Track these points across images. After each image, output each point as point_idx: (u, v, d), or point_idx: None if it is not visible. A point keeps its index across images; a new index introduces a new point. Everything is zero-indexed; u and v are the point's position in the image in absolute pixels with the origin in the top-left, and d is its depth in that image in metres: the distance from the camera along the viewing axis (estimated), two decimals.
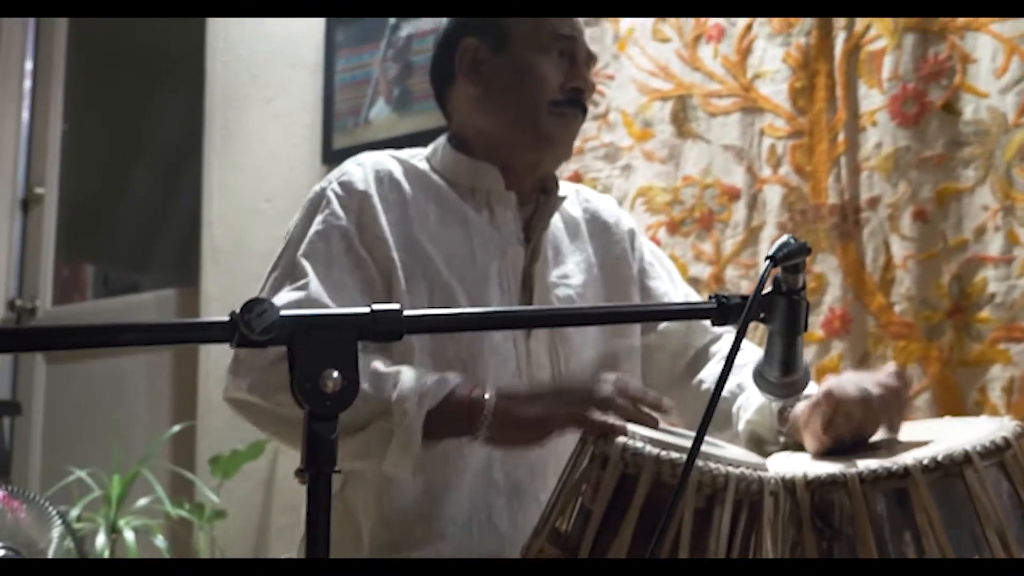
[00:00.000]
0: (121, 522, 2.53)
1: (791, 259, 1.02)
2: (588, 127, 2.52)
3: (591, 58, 1.54)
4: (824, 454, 1.28)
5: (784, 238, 1.00)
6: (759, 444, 1.43)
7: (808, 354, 2.19)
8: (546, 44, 1.49)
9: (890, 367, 1.32)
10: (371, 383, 1.30)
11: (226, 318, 0.79)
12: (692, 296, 1.67)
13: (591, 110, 2.54)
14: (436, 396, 1.29)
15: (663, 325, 1.57)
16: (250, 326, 0.78)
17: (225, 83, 3.23)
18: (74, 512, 2.50)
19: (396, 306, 0.86)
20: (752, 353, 1.50)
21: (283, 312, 0.80)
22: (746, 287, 2.26)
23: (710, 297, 1.04)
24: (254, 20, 3.19)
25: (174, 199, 3.78)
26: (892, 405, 1.25)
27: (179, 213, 3.64)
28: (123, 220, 4.05)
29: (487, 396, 1.28)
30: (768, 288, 1.07)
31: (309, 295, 1.37)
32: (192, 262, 3.24)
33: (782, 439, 1.39)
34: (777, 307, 1.07)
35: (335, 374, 0.82)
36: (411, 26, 2.89)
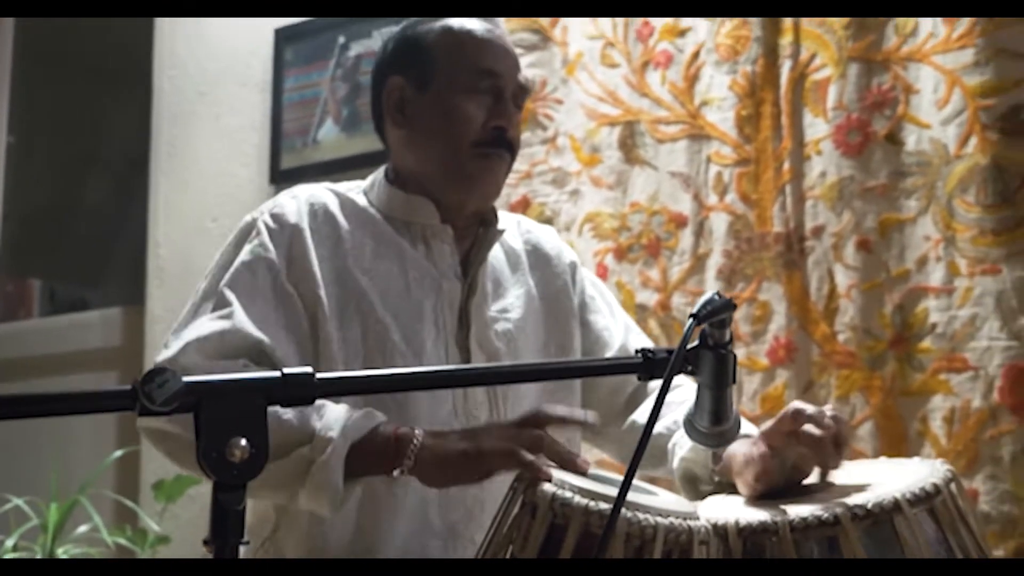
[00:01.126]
0: (59, 551, 2.48)
1: (715, 316, 1.01)
2: (536, 151, 2.52)
3: (523, 90, 1.50)
4: (757, 497, 1.28)
5: (708, 295, 1.00)
6: (693, 482, 1.42)
7: (753, 383, 2.20)
8: (470, 82, 1.46)
9: (829, 408, 1.31)
10: (295, 414, 1.27)
11: (128, 387, 0.77)
12: (633, 330, 1.66)
13: (540, 134, 2.56)
14: (361, 429, 1.26)
15: None
16: (150, 397, 0.76)
17: (172, 100, 3.18)
18: (10, 542, 2.45)
19: (308, 369, 0.84)
20: (690, 390, 1.50)
21: (187, 379, 0.78)
22: None
23: (636, 352, 1.03)
24: (202, 36, 3.15)
25: (123, 214, 3.72)
26: (831, 451, 1.25)
27: (128, 228, 3.59)
28: (71, 235, 3.99)
29: (415, 431, 1.26)
30: (695, 342, 1.06)
31: (235, 324, 1.34)
32: (140, 279, 3.19)
33: (716, 478, 1.39)
34: (705, 361, 1.06)
35: (243, 442, 0.79)
36: (360, 46, 2.86)
